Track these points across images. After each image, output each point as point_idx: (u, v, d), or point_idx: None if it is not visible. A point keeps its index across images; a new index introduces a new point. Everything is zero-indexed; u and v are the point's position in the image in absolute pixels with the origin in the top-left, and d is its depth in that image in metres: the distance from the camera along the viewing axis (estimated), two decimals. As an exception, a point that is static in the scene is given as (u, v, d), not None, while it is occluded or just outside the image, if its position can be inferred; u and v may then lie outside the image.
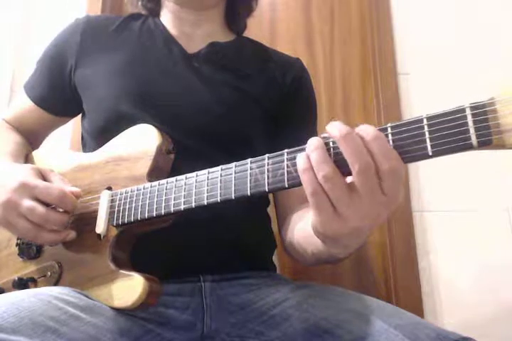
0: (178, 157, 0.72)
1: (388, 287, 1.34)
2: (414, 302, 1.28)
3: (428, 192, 1.37)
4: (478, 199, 1.35)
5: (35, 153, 0.89)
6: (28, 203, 0.64)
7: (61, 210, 0.67)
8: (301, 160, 0.48)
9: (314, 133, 0.94)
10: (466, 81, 1.44)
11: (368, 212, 0.47)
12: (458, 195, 1.36)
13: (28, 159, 0.87)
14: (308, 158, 0.47)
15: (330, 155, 0.48)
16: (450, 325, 1.24)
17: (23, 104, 0.93)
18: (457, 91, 1.42)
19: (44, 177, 0.70)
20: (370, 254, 1.37)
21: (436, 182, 1.36)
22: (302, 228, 0.69)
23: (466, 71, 1.46)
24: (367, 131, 0.46)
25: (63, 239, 0.67)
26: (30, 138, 0.94)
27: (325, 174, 0.46)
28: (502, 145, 0.41)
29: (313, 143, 0.48)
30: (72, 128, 1.39)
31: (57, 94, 0.90)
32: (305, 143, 0.49)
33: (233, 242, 0.77)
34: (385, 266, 1.37)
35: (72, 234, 0.68)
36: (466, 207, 1.35)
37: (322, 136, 0.49)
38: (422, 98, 1.48)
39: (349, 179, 0.48)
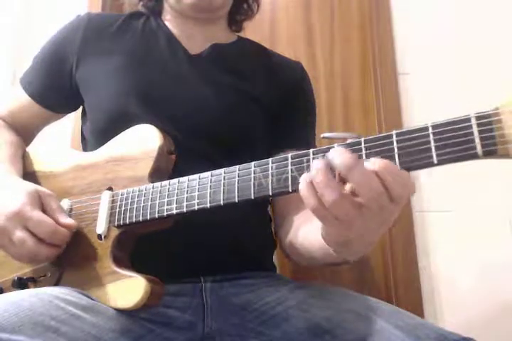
0: (180, 157, 0.71)
1: (388, 287, 1.34)
2: (414, 302, 1.28)
3: (428, 192, 1.37)
4: (478, 199, 1.35)
5: (30, 151, 0.88)
6: (19, 234, 0.63)
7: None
8: (303, 186, 0.46)
9: (313, 135, 0.94)
10: (466, 81, 1.44)
11: (377, 221, 0.47)
12: (458, 195, 1.36)
13: (24, 158, 0.86)
14: (311, 183, 0.46)
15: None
16: (450, 324, 1.24)
17: (19, 99, 0.91)
18: (457, 91, 1.43)
19: (43, 205, 0.68)
20: (370, 254, 1.37)
21: (436, 182, 1.36)
22: (307, 233, 0.69)
23: (465, 71, 1.46)
24: (373, 161, 0.44)
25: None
26: (23, 133, 0.92)
27: (333, 200, 0.44)
28: (506, 155, 0.41)
29: (314, 166, 0.46)
30: (72, 127, 1.39)
31: (56, 90, 0.89)
32: (304, 144, 0.49)
33: (234, 243, 0.77)
34: (385, 265, 1.37)
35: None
36: (466, 206, 1.36)
37: (322, 136, 0.49)
38: (421, 98, 1.48)
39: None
